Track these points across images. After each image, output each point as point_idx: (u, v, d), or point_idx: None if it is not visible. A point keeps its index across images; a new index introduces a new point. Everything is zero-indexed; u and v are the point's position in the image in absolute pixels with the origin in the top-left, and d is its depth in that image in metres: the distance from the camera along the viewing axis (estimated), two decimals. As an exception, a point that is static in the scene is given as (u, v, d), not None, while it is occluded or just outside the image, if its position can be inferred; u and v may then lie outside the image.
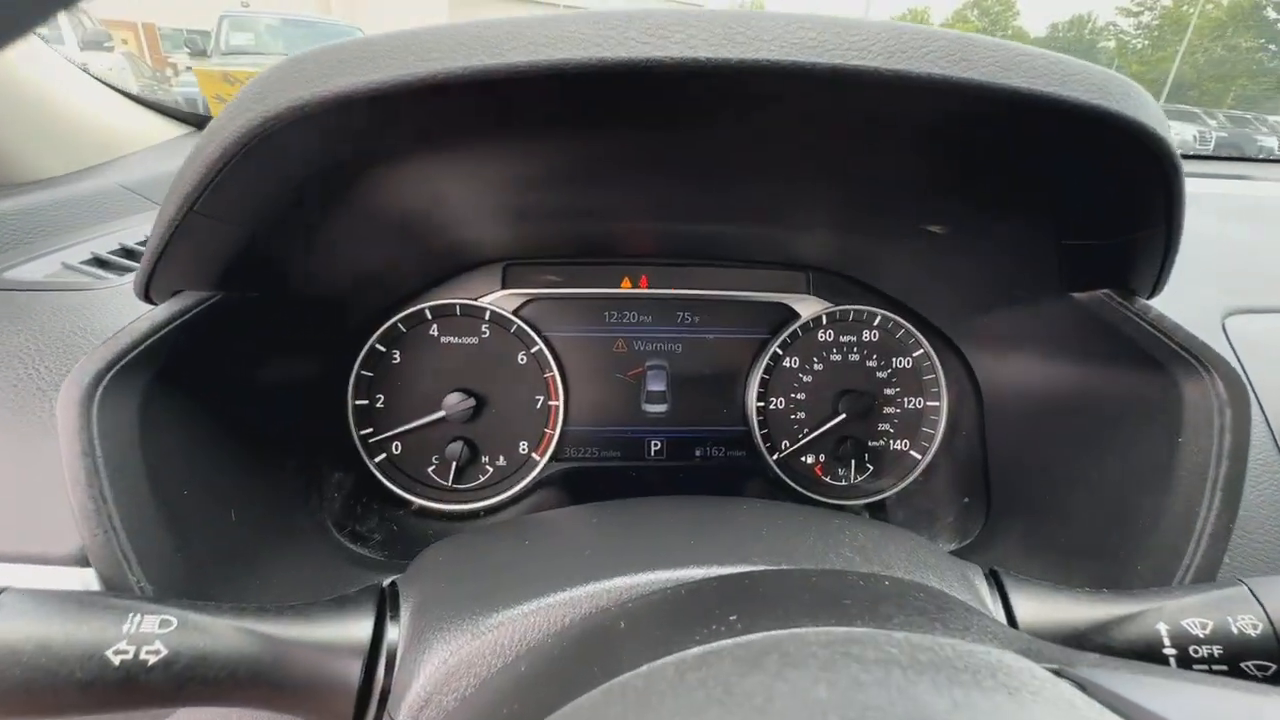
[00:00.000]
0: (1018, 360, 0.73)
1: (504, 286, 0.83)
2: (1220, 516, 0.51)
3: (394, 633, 0.42)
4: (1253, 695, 0.27)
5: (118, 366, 0.47)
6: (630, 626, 0.36)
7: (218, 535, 0.55)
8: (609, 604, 0.40)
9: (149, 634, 0.36)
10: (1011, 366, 0.75)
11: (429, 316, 0.82)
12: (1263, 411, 0.64)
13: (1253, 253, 0.87)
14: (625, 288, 0.86)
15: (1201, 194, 1.13)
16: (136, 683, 0.35)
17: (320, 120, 0.37)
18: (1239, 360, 0.68)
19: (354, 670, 0.40)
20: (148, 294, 0.50)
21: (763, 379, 0.87)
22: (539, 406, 0.85)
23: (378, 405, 0.82)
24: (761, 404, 0.87)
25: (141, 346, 0.48)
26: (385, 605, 0.44)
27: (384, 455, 0.82)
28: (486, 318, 0.83)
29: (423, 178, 0.52)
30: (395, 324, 0.81)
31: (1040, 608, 0.46)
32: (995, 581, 0.48)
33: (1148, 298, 0.57)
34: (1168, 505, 0.54)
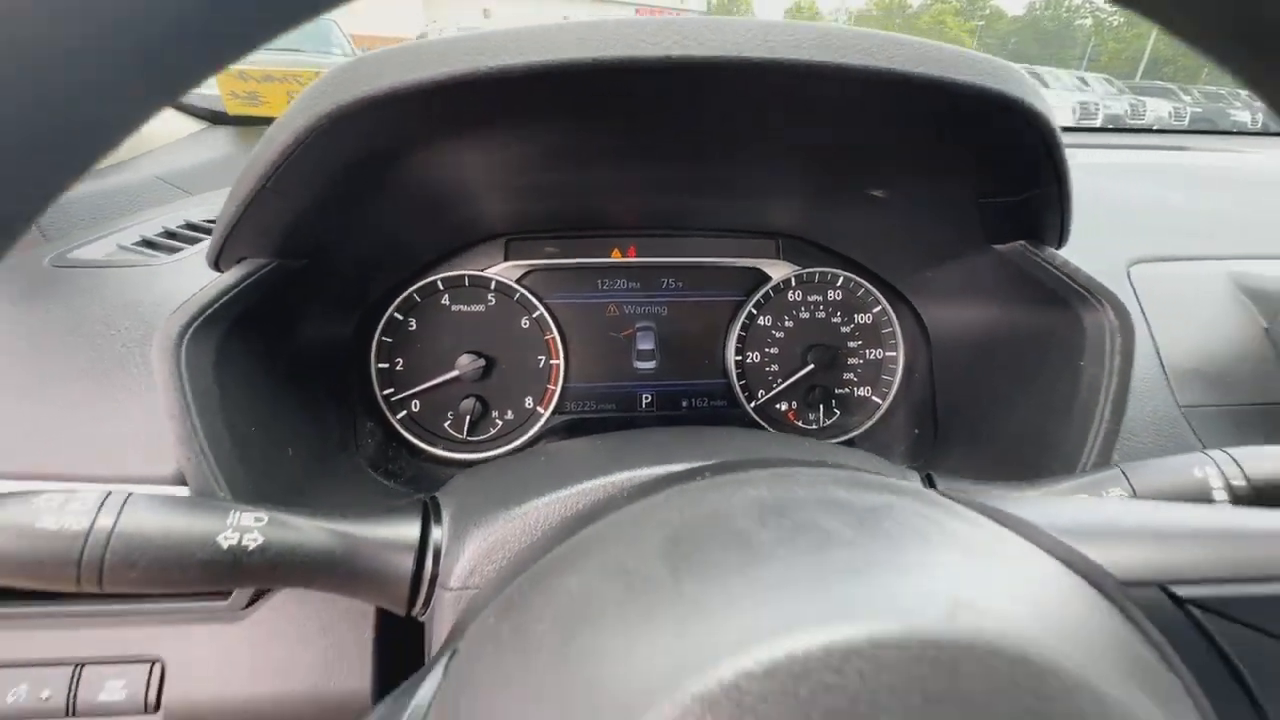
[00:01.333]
0: (958, 309, 0.85)
1: (506, 259, 0.93)
2: (1110, 421, 0.63)
3: (437, 534, 0.52)
4: (1089, 499, 0.38)
5: (197, 322, 0.57)
6: (623, 494, 0.46)
7: (277, 468, 0.64)
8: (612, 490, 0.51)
9: (248, 526, 0.46)
10: (953, 315, 0.86)
11: (441, 287, 0.92)
12: (1154, 341, 0.76)
13: (1156, 210, 0.99)
14: (615, 257, 0.96)
15: (1130, 162, 1.25)
16: (240, 564, 0.45)
17: (377, 111, 0.47)
18: (1139, 301, 0.79)
19: (408, 562, 0.50)
20: (218, 262, 0.60)
21: (740, 336, 0.97)
22: (541, 365, 0.95)
23: (397, 368, 0.91)
24: (739, 358, 0.98)
25: (215, 305, 0.58)
26: (429, 513, 0.54)
27: (405, 412, 0.92)
28: (492, 287, 0.93)
29: (446, 159, 0.62)
30: (411, 295, 0.91)
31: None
32: (929, 481, 0.60)
33: (1057, 246, 0.68)
34: (1072, 417, 0.66)
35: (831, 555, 0.27)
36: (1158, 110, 24.87)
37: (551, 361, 0.95)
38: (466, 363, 0.91)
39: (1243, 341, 0.79)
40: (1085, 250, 0.68)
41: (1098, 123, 22.03)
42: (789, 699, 0.20)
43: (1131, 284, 0.81)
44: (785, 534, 0.29)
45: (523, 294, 0.93)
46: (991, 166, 0.60)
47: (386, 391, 0.91)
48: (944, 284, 0.85)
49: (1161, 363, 0.75)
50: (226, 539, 0.45)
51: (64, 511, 0.42)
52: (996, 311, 0.77)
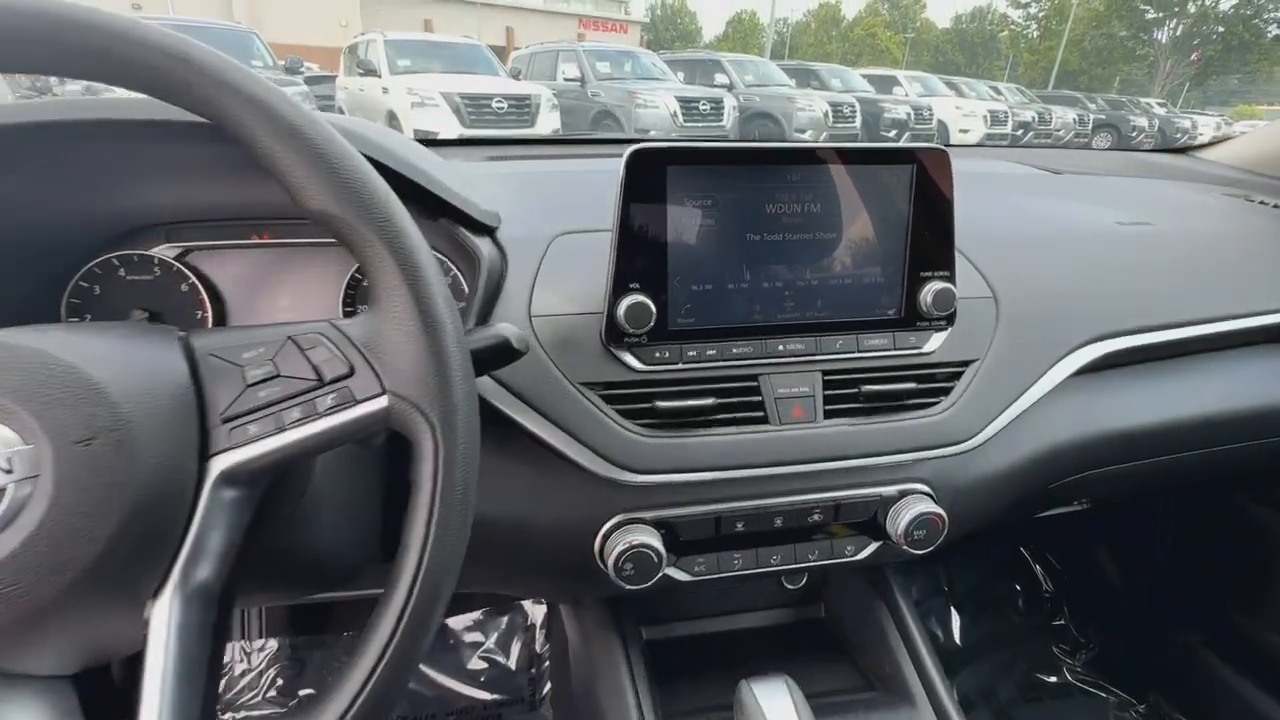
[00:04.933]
0: None
1: (167, 241, 1.29)
2: None
3: None
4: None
5: None
6: None
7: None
8: None
9: None
10: None
11: (116, 264, 1.27)
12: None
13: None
14: (257, 239, 1.33)
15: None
16: None
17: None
18: (543, 262, 1.21)
19: None
20: None
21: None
22: (199, 318, 1.31)
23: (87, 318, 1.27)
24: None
25: None
26: None
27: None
28: (155, 262, 1.29)
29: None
30: (92, 268, 1.26)
31: None
32: None
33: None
34: None
35: None
36: (1064, 118, 26.56)
37: (204, 315, 1.31)
38: (138, 315, 1.26)
39: None
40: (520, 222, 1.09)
41: (1007, 129, 23.26)
42: None
43: (547, 249, 1.22)
44: None
45: (179, 267, 1.29)
46: None
47: (78, 328, 1.26)
48: None
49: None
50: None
51: None
52: None
